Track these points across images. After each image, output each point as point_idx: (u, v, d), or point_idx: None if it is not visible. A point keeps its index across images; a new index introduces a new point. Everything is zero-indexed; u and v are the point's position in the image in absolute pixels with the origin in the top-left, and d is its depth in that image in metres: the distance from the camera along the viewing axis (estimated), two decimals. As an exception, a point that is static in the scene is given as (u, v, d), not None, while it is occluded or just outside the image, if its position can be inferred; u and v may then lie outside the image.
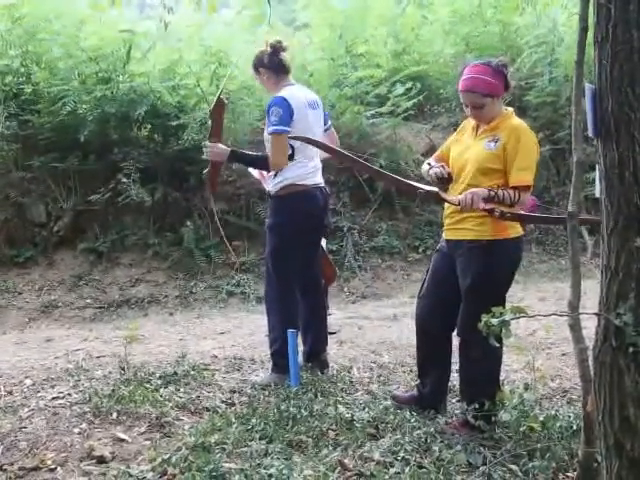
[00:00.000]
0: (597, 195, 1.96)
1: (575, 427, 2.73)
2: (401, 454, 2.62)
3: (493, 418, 2.83)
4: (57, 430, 2.92)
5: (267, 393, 3.45)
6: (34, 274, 6.47)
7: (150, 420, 3.02)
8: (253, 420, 2.96)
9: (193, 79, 6.93)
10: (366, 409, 3.14)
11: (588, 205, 7.02)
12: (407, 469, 2.49)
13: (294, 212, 3.58)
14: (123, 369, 3.70)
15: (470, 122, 3.04)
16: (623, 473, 1.83)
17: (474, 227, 2.86)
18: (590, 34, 1.88)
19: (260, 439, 2.78)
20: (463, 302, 2.93)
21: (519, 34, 8.49)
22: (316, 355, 3.79)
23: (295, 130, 3.49)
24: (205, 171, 3.73)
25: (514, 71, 2.96)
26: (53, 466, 2.59)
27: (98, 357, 4.19)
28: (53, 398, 3.35)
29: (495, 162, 2.84)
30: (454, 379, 3.29)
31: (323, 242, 3.95)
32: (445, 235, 3.07)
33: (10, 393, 3.48)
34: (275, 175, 3.60)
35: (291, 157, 3.55)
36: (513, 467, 2.53)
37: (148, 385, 3.43)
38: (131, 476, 2.46)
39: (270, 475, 2.39)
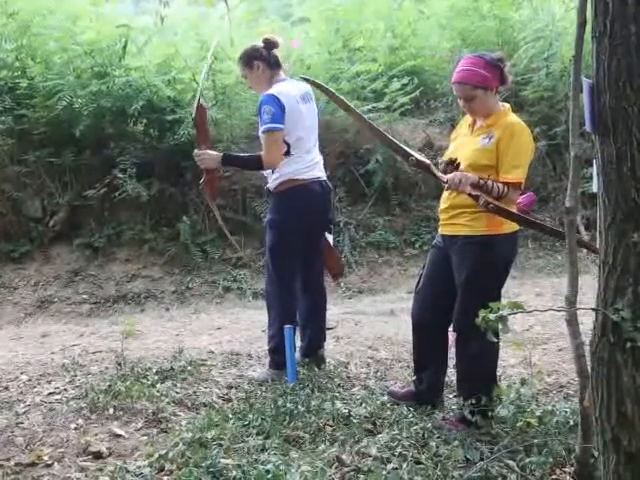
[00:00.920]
0: (594, 190, 1.96)
1: (572, 422, 2.73)
2: (398, 450, 2.62)
3: (490, 413, 2.82)
4: (53, 426, 2.92)
5: (264, 389, 3.45)
6: (30, 269, 6.45)
7: (147, 416, 3.02)
8: (250, 416, 2.96)
9: (189, 73, 6.90)
10: (363, 405, 3.14)
11: (585, 200, 7.03)
12: (404, 465, 2.49)
13: (293, 208, 3.56)
14: (119, 364, 3.69)
15: (467, 119, 3.04)
16: (620, 468, 1.83)
17: (469, 222, 2.86)
18: (588, 28, 1.88)
19: (257, 435, 2.78)
20: (458, 297, 2.93)
21: (516, 29, 8.47)
22: (314, 351, 3.78)
23: (288, 125, 3.48)
24: (201, 181, 3.70)
25: (511, 66, 2.95)
26: (50, 462, 2.59)
27: (94, 352, 4.19)
28: (49, 394, 3.35)
29: (489, 158, 2.83)
30: (451, 374, 3.29)
31: (330, 237, 3.91)
32: (440, 230, 3.07)
33: (6, 389, 3.48)
34: (273, 171, 3.58)
35: (287, 153, 3.54)
36: (510, 462, 2.52)
37: (145, 380, 3.42)
38: (128, 472, 2.46)
39: (267, 471, 2.38)
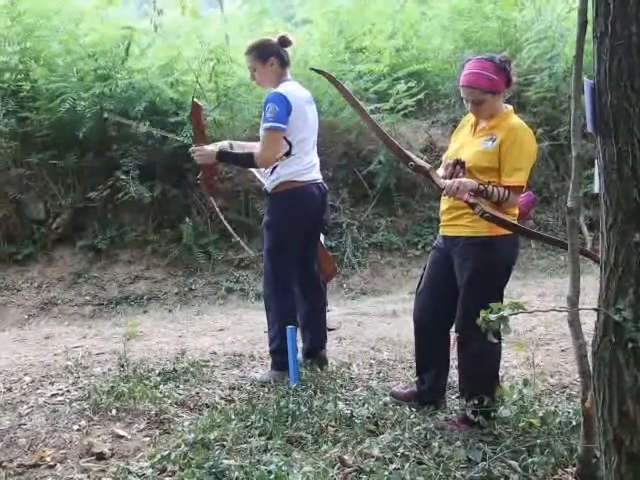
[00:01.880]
0: (596, 191, 1.96)
1: (574, 423, 2.72)
2: (400, 450, 2.62)
3: (492, 414, 2.82)
4: (56, 427, 2.92)
5: (266, 390, 3.45)
6: (33, 271, 6.47)
7: (149, 417, 3.02)
8: (252, 416, 2.96)
9: (192, 75, 6.92)
10: (365, 405, 3.14)
11: (588, 201, 7.02)
12: (406, 465, 2.49)
13: (291, 210, 3.56)
14: (122, 366, 3.70)
15: (469, 119, 3.03)
16: (622, 468, 1.83)
17: (470, 223, 2.86)
18: (589, 29, 1.88)
19: (259, 435, 2.78)
20: (460, 298, 2.92)
21: (519, 30, 8.47)
22: (315, 352, 3.78)
23: (294, 126, 3.48)
24: (199, 176, 3.76)
25: (514, 67, 2.95)
26: (52, 463, 2.59)
27: (97, 354, 4.20)
28: (52, 395, 3.35)
29: (491, 160, 2.83)
30: (453, 375, 3.29)
31: (322, 238, 3.94)
32: (442, 231, 3.07)
33: (9, 390, 3.49)
34: (271, 172, 3.58)
35: (288, 154, 3.53)
36: (513, 463, 2.52)
37: (147, 382, 3.42)
38: (130, 473, 2.46)
39: (269, 471, 2.38)
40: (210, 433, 2.76)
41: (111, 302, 6.23)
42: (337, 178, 7.30)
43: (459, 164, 2.83)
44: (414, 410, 3.05)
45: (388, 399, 3.24)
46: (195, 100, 3.65)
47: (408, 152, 2.86)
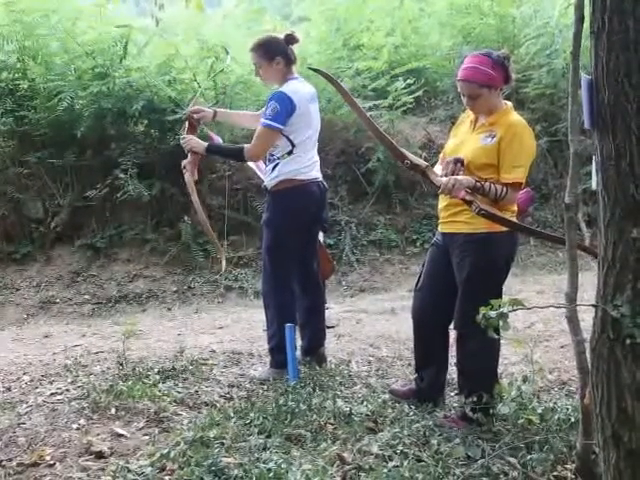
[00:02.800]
0: (594, 187, 1.95)
1: (573, 419, 2.73)
2: (399, 448, 2.62)
3: (491, 411, 2.82)
4: (55, 426, 2.92)
5: (265, 387, 3.45)
6: (32, 270, 6.46)
7: (148, 415, 3.02)
8: (251, 414, 2.96)
9: (190, 74, 6.90)
10: (364, 403, 3.14)
11: (586, 198, 7.02)
12: (406, 462, 2.49)
13: (291, 207, 3.57)
14: (121, 364, 3.70)
15: (469, 116, 3.03)
16: (621, 464, 1.83)
17: (469, 220, 2.86)
18: (586, 25, 1.87)
19: (259, 433, 2.78)
20: (459, 295, 2.93)
21: (517, 26, 8.46)
22: (314, 349, 3.78)
23: (298, 127, 3.49)
24: (185, 161, 3.67)
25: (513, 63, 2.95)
26: (52, 462, 2.59)
27: (96, 353, 4.20)
28: (51, 394, 3.35)
29: (490, 157, 2.83)
30: (452, 372, 3.29)
31: (320, 236, 3.94)
32: (440, 228, 3.07)
33: (8, 389, 3.48)
34: (272, 170, 3.59)
35: (290, 152, 3.54)
36: (511, 459, 2.53)
37: (146, 380, 3.42)
38: (130, 471, 2.46)
39: (269, 469, 2.38)
40: (209, 431, 2.76)
41: (110, 301, 6.22)
42: (335, 176, 7.29)
43: (459, 162, 2.83)
44: (413, 407, 3.05)
45: (387, 396, 3.25)
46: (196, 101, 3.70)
47: (404, 150, 2.85)
